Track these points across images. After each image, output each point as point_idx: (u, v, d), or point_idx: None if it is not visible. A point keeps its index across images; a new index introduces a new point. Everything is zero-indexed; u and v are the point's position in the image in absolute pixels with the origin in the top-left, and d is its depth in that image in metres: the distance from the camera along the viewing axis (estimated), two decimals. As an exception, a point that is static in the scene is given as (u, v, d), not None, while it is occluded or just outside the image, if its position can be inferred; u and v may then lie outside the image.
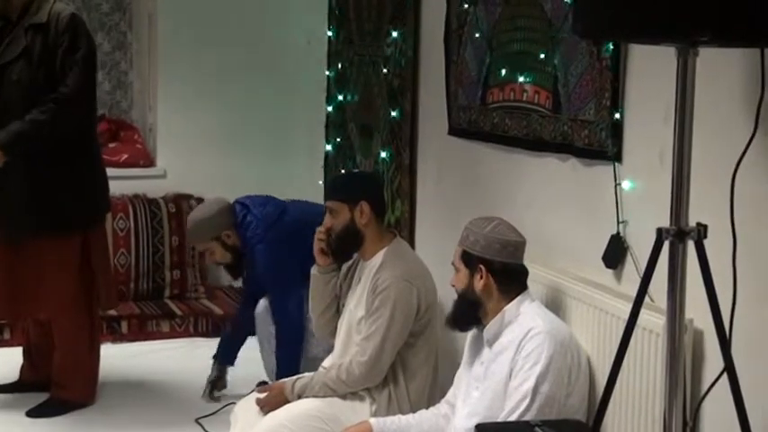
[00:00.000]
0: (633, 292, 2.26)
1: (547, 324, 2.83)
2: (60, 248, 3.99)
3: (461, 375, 3.09)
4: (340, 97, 5.22)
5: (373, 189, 3.54)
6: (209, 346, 4.53)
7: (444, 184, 4.25)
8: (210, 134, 5.67)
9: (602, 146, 3.03)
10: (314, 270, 3.60)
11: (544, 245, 3.37)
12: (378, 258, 3.42)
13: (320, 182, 5.29)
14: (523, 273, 2.98)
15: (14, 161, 3.82)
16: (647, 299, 2.23)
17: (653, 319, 2.64)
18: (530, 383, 2.75)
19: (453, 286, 3.00)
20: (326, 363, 3.58)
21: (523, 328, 2.83)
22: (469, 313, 2.94)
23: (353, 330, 3.45)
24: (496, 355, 2.87)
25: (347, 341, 3.48)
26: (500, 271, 2.91)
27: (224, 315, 5.16)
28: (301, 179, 5.48)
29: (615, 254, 2.97)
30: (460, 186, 4.08)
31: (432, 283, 3.45)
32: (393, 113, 4.62)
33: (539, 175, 3.47)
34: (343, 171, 5.13)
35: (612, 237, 2.98)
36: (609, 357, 2.60)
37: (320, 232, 3.51)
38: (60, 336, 4.11)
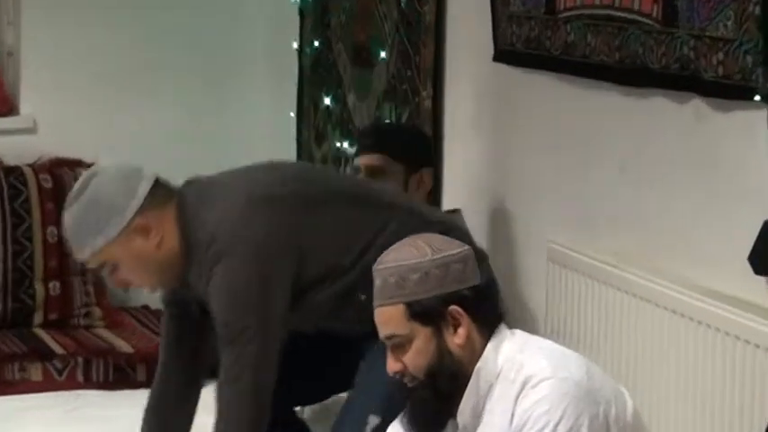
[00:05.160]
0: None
1: (560, 368, 2.76)
2: None
3: None
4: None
5: None
6: (112, 403, 4.53)
7: (486, 139, 4.28)
8: (104, 66, 5.65)
9: (747, 78, 3.03)
10: None
11: (648, 236, 3.39)
12: None
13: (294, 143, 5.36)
14: (496, 290, 3.01)
15: None
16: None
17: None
18: None
19: (400, 373, 2.85)
20: None
21: (518, 379, 2.77)
22: (454, 395, 2.85)
23: None
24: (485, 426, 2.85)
25: None
26: (474, 301, 2.85)
27: (135, 354, 5.16)
28: (255, 136, 5.55)
29: (769, 252, 3.00)
30: (513, 141, 4.10)
31: None
32: (404, 29, 4.64)
33: (641, 124, 3.49)
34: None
35: (765, 224, 2.99)
36: (762, 408, 2.64)
37: None
38: None
